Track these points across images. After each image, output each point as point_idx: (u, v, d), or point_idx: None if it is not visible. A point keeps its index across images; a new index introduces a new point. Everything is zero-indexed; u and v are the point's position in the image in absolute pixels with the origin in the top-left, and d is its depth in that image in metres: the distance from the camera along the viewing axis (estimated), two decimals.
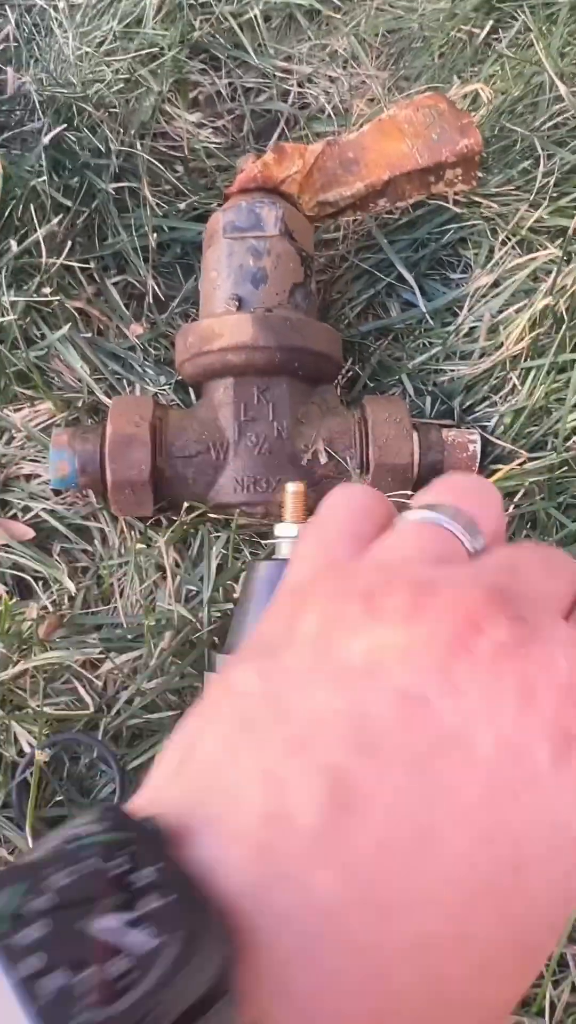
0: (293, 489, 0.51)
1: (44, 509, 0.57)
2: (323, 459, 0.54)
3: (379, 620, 0.16)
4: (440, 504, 0.20)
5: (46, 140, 0.59)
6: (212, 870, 0.14)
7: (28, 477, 0.59)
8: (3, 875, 0.12)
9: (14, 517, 0.58)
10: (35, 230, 0.59)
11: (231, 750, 0.16)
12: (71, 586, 0.55)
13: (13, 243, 0.58)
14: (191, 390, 0.60)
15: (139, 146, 0.63)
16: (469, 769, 0.15)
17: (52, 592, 0.56)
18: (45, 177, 0.59)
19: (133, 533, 0.57)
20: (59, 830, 0.13)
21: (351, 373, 0.62)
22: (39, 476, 0.58)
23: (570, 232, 0.55)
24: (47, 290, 0.57)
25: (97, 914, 0.12)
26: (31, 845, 0.45)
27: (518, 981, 0.16)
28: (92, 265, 0.63)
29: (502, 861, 0.15)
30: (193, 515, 0.54)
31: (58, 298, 0.58)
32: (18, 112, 0.67)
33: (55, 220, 0.59)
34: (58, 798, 0.51)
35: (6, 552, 0.56)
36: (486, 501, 0.21)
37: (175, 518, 0.55)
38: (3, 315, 0.58)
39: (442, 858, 0.14)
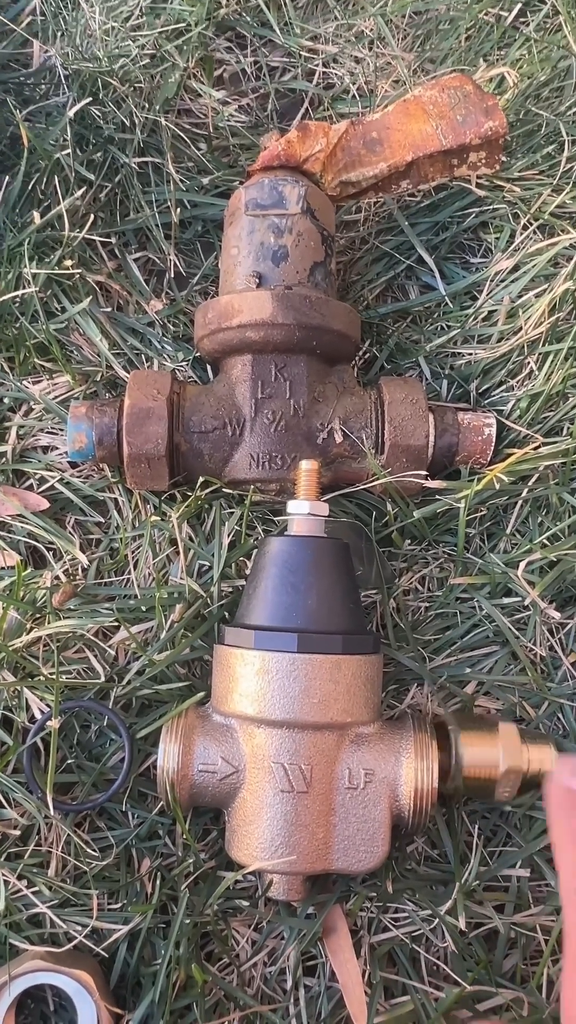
0: (307, 467, 0.51)
1: (59, 481, 0.58)
2: (338, 438, 0.54)
3: None
4: None
5: (71, 113, 0.60)
6: None
7: (45, 448, 0.59)
8: None
9: (30, 488, 0.58)
10: (58, 203, 0.59)
11: None
12: (83, 558, 0.56)
13: (36, 215, 0.58)
14: (208, 367, 0.60)
15: (163, 121, 0.63)
16: None
17: (64, 562, 0.56)
18: (69, 150, 0.59)
19: (147, 507, 0.57)
20: None
21: (368, 355, 0.62)
22: (56, 448, 0.59)
23: None
24: (69, 263, 0.58)
25: None
26: (50, 808, 0.46)
27: None
28: (113, 240, 0.63)
29: None
30: (208, 491, 0.54)
31: (79, 271, 0.58)
32: (43, 85, 0.67)
33: (79, 193, 0.59)
34: (68, 762, 0.52)
35: (20, 522, 0.57)
36: None
37: (189, 493, 0.56)
38: (25, 287, 0.58)
39: None
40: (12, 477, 0.58)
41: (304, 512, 0.50)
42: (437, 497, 0.54)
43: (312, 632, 0.47)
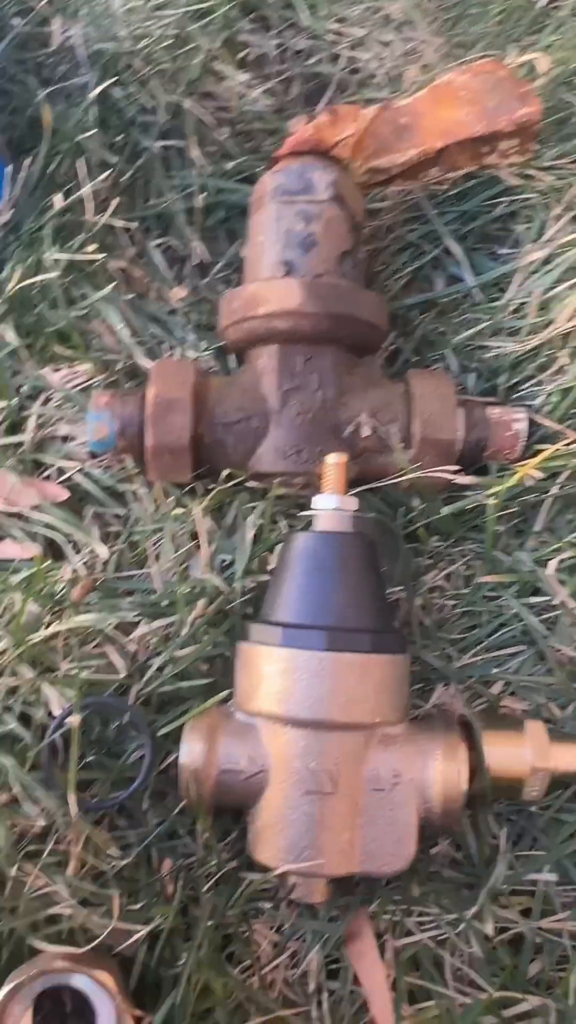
0: (335, 460, 0.50)
1: (79, 471, 0.56)
2: (366, 431, 0.53)
3: None
4: None
5: (95, 93, 0.58)
6: None
7: (64, 438, 0.58)
8: None
9: (48, 478, 0.57)
10: (78, 187, 0.58)
11: None
12: (103, 551, 0.55)
13: (59, 198, 0.56)
14: (232, 357, 0.59)
15: (187, 104, 0.62)
16: None
17: (84, 555, 0.55)
18: (92, 132, 0.58)
19: (168, 499, 0.56)
20: None
21: (393, 346, 0.61)
22: (75, 438, 0.58)
23: None
24: (92, 247, 0.56)
25: None
26: (72, 808, 0.45)
27: None
28: (134, 225, 0.61)
29: None
30: (231, 483, 0.53)
31: (103, 256, 0.57)
32: (63, 66, 0.65)
33: (104, 176, 0.57)
34: (87, 759, 0.50)
35: (39, 513, 0.56)
36: None
37: (211, 486, 0.54)
38: (44, 272, 0.57)
39: None
40: (30, 467, 0.57)
41: (332, 507, 0.49)
42: (466, 493, 0.53)
43: (341, 630, 0.46)
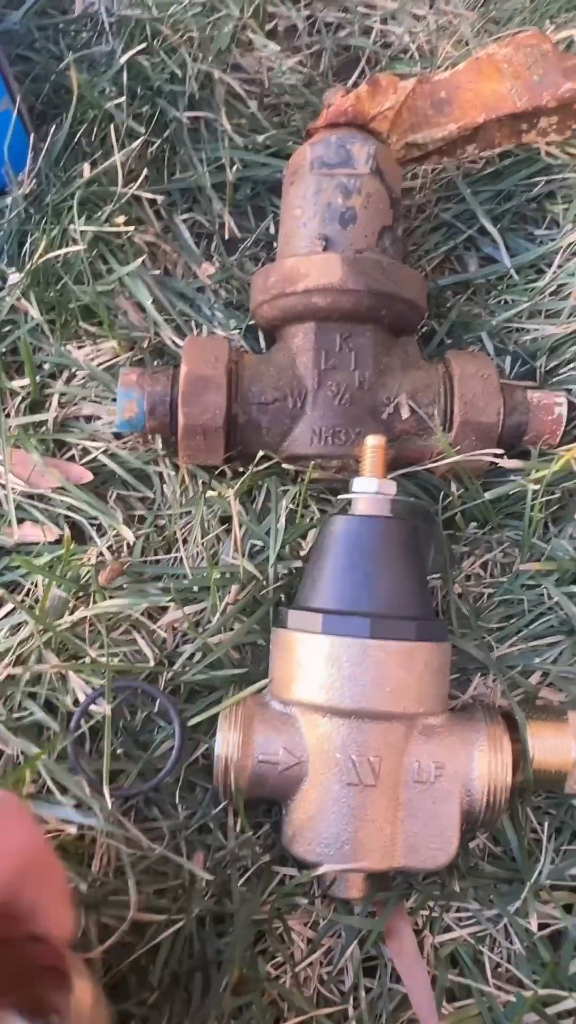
0: (374, 443, 0.49)
1: (104, 452, 0.54)
2: (405, 413, 0.51)
3: None
4: None
5: (123, 59, 0.56)
6: None
7: (88, 418, 0.56)
8: None
9: (71, 459, 0.55)
10: (105, 158, 0.55)
11: None
12: (128, 534, 0.53)
13: (87, 167, 0.54)
14: (262, 337, 0.57)
15: (217, 74, 0.60)
16: None
17: (108, 539, 0.53)
18: (120, 100, 0.56)
19: (195, 482, 0.54)
20: None
21: (426, 328, 0.59)
22: (100, 418, 0.56)
23: None
24: (121, 219, 0.54)
25: None
26: (106, 797, 0.43)
27: None
28: (159, 200, 0.59)
29: None
30: (265, 465, 0.51)
31: (132, 229, 0.55)
32: (85, 34, 0.63)
33: (134, 145, 0.55)
34: (114, 749, 0.49)
35: (61, 495, 0.54)
36: None
37: (240, 469, 0.53)
38: (69, 245, 0.55)
39: None
40: (53, 447, 0.55)
41: (372, 490, 0.47)
42: (512, 478, 0.51)
43: (385, 616, 0.44)
